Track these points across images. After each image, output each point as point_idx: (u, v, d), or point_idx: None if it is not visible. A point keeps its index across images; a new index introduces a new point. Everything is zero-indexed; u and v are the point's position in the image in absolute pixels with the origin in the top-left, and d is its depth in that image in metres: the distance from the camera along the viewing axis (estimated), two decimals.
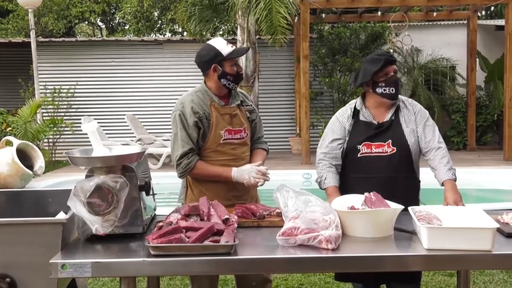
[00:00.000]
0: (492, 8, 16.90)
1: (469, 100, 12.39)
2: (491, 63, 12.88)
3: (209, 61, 3.16)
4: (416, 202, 3.13)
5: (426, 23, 13.59)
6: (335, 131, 3.22)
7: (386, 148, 3.08)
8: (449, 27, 13.62)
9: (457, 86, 13.39)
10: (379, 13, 12.21)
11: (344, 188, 3.11)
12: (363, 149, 3.11)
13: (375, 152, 3.10)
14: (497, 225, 2.27)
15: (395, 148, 3.08)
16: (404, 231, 2.51)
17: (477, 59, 12.77)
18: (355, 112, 3.20)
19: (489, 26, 13.64)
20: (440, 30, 13.59)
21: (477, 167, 9.41)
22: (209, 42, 3.23)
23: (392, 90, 3.10)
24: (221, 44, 3.16)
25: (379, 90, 3.11)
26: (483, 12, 17.59)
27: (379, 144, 3.10)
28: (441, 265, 2.45)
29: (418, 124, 3.15)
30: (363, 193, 2.66)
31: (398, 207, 2.53)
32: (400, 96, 3.21)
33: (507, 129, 10.44)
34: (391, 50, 12.49)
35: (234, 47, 3.18)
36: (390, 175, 3.06)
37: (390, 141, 3.09)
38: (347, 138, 3.18)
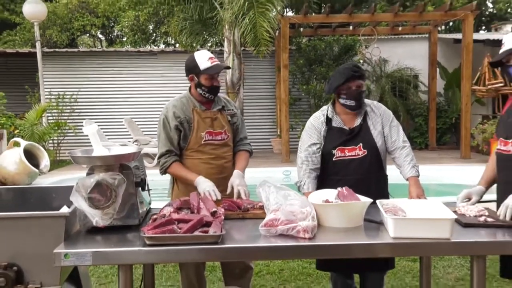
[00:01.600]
0: (451, 23, 17.09)
1: (430, 105, 12.51)
2: (449, 72, 13.00)
3: (188, 70, 3.17)
4: (386, 196, 3.13)
5: (393, 36, 13.70)
6: (312, 136, 3.19)
7: (358, 151, 3.08)
8: (413, 40, 13.74)
9: (419, 92, 13.51)
10: (351, 27, 12.27)
11: (323, 188, 3.07)
12: (338, 153, 3.10)
13: (348, 156, 3.09)
14: (455, 216, 2.30)
15: (366, 150, 3.08)
16: (372, 221, 2.52)
17: (438, 69, 12.88)
18: (328, 119, 3.19)
19: (448, 39, 13.78)
20: (405, 43, 13.70)
21: (437, 165, 9.51)
22: (195, 53, 3.17)
23: (353, 103, 3.09)
24: (202, 58, 3.11)
25: (341, 101, 3.12)
26: (443, 27, 17.83)
27: (351, 148, 3.09)
28: (406, 252, 2.48)
29: (384, 125, 3.16)
30: None
31: (367, 200, 2.54)
32: (366, 100, 3.21)
33: (463, 131, 10.55)
34: (361, 61, 12.58)
35: (214, 63, 3.11)
36: (363, 176, 3.05)
37: (361, 144, 3.09)
38: (323, 143, 3.16)
